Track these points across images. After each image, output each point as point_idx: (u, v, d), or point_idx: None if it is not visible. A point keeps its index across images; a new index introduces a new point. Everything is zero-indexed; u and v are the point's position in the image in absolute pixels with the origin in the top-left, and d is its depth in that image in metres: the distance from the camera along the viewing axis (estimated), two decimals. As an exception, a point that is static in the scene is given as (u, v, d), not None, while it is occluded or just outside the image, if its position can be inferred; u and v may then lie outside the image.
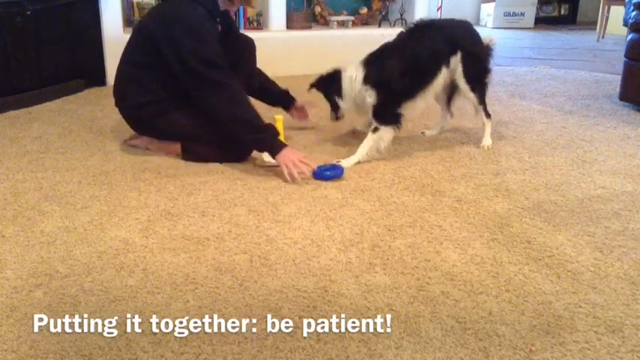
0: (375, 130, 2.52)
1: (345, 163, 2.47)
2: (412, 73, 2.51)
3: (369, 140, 2.52)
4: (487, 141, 2.74)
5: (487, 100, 2.76)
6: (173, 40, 2.33)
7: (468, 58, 2.59)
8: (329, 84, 2.62)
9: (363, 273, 1.63)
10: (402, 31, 2.65)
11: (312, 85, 2.70)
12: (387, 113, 2.52)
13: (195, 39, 2.32)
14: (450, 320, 1.42)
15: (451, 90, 2.77)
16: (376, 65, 2.53)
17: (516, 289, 1.57)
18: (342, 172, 2.34)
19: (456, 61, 2.60)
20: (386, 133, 2.52)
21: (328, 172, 2.32)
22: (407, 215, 2.02)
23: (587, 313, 1.46)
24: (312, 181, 2.30)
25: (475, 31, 2.70)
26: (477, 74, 2.65)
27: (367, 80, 2.50)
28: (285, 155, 2.28)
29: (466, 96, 2.69)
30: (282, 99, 2.93)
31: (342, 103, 2.60)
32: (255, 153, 2.54)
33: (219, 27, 2.61)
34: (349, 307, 1.47)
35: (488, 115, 2.74)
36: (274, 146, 2.31)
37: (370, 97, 2.50)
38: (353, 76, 2.53)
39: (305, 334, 1.36)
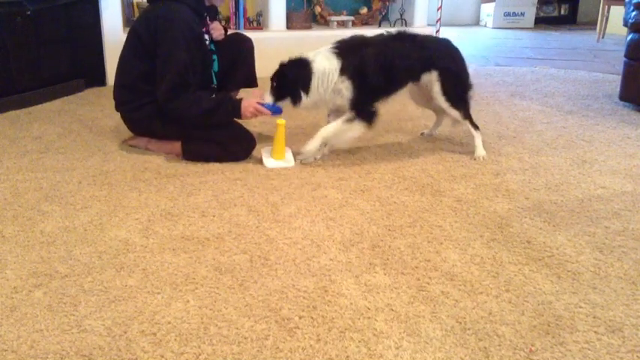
0: (349, 120, 2.42)
1: (304, 154, 2.46)
2: (385, 75, 2.46)
3: (337, 125, 2.42)
4: (481, 152, 2.63)
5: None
6: (162, 47, 2.37)
7: (444, 76, 2.53)
8: (295, 73, 2.40)
9: (363, 273, 1.63)
10: (383, 34, 2.57)
11: (276, 76, 2.45)
12: (365, 106, 2.44)
13: (179, 47, 2.36)
14: (450, 320, 1.43)
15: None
16: (354, 56, 2.41)
17: (516, 289, 1.57)
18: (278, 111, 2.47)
19: (430, 79, 2.55)
20: (358, 126, 2.43)
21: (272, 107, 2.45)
22: (407, 215, 2.02)
23: (587, 313, 1.46)
24: (312, 181, 2.30)
25: (454, 48, 2.65)
26: (456, 91, 2.59)
27: (344, 71, 2.38)
28: (244, 107, 2.42)
29: (448, 113, 2.63)
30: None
31: (305, 98, 2.40)
32: (255, 153, 2.55)
33: (210, 22, 2.62)
34: (349, 307, 1.47)
35: (476, 128, 2.66)
36: (235, 108, 2.43)
37: (347, 90, 2.40)
38: (327, 69, 2.37)
39: (305, 334, 1.36)
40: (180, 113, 2.42)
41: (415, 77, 2.56)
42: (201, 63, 2.50)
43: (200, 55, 2.48)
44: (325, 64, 2.39)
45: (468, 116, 2.65)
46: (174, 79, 2.35)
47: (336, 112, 2.54)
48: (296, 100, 2.42)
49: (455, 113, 2.62)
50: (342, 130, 2.44)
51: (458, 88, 2.61)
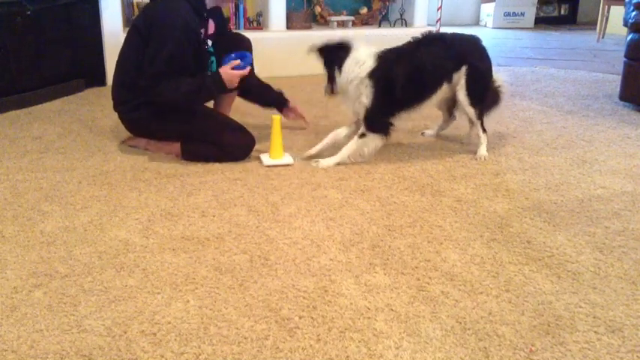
0: (362, 135, 2.48)
1: (324, 162, 2.48)
2: (415, 85, 2.48)
3: (353, 144, 2.49)
4: (483, 152, 2.64)
5: (494, 110, 2.74)
6: (154, 37, 2.38)
7: (472, 72, 2.55)
8: (334, 53, 2.47)
9: (363, 273, 1.63)
10: (411, 40, 2.56)
11: (318, 50, 2.53)
12: (377, 120, 2.47)
13: (170, 39, 2.36)
14: (450, 320, 1.43)
15: (452, 101, 2.73)
16: (387, 65, 2.43)
17: (516, 289, 1.57)
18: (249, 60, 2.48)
19: (458, 75, 2.56)
20: (373, 140, 2.49)
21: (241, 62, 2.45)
22: (407, 215, 2.02)
23: (587, 313, 1.46)
24: (312, 181, 2.30)
25: (483, 47, 2.66)
26: (479, 89, 2.60)
27: (372, 76, 2.40)
28: (228, 80, 2.42)
29: (465, 109, 2.62)
30: (276, 101, 2.95)
31: (339, 78, 2.46)
32: (255, 153, 2.55)
33: (213, 24, 2.62)
34: (349, 307, 1.47)
35: (484, 131, 2.66)
36: (218, 84, 2.43)
37: (366, 98, 2.42)
38: (361, 61, 2.41)
39: (305, 334, 1.36)
40: (163, 100, 2.43)
41: (449, 78, 2.57)
42: (194, 61, 2.48)
43: (193, 53, 2.46)
44: (361, 56, 2.43)
45: (481, 117, 2.66)
46: (160, 67, 2.36)
47: (357, 122, 2.57)
48: (332, 77, 2.50)
49: (471, 111, 2.62)
50: (359, 145, 2.50)
51: (480, 86, 2.61)
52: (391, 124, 2.50)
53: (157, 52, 2.36)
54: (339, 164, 2.49)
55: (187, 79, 2.42)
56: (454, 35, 2.68)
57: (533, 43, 6.50)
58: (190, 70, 2.44)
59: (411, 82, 2.46)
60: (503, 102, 2.78)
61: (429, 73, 2.50)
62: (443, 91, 2.59)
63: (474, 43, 2.66)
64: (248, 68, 2.46)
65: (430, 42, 2.55)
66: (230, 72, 2.42)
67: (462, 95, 2.58)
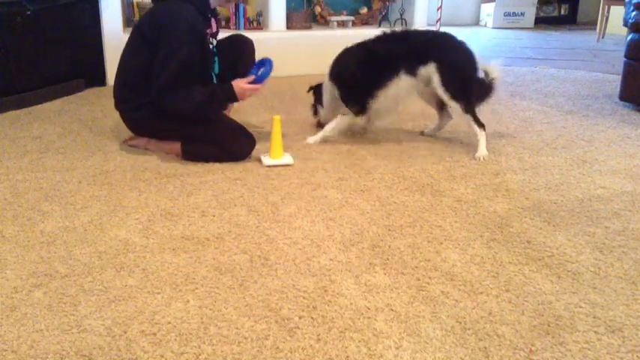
0: (344, 114, 2.77)
1: (310, 140, 2.77)
2: (367, 71, 2.65)
3: (336, 119, 2.79)
4: (482, 152, 2.61)
5: (487, 102, 2.74)
6: (164, 42, 2.37)
7: (444, 67, 2.56)
8: (317, 92, 2.96)
9: (363, 273, 1.63)
10: (384, 32, 2.75)
11: (312, 89, 3.01)
12: (352, 98, 2.73)
13: (182, 45, 2.35)
14: (450, 320, 1.43)
15: (438, 98, 2.72)
16: (338, 62, 2.78)
17: (516, 289, 1.57)
18: (270, 67, 2.51)
19: (428, 71, 2.58)
20: (349, 113, 2.74)
21: (263, 70, 2.50)
22: (407, 215, 2.02)
23: (587, 313, 1.47)
24: (312, 181, 2.30)
25: (455, 41, 2.65)
26: (457, 82, 2.59)
27: (330, 77, 2.78)
28: (239, 93, 2.46)
29: (449, 105, 2.63)
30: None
31: (321, 111, 2.94)
32: (255, 153, 2.55)
33: (215, 24, 2.62)
34: (349, 307, 1.47)
35: (480, 126, 2.63)
36: (229, 95, 2.46)
37: (335, 91, 2.77)
38: (326, 83, 2.82)
39: (305, 334, 1.36)
40: (173, 108, 2.42)
41: (408, 69, 2.61)
42: (200, 63, 2.49)
43: (200, 56, 2.48)
44: (324, 82, 2.84)
45: (470, 110, 2.63)
46: (173, 75, 2.35)
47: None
48: (317, 112, 3.00)
49: (455, 105, 2.61)
50: (338, 123, 2.79)
51: (459, 79, 2.60)
52: (364, 105, 2.71)
53: (169, 60, 2.34)
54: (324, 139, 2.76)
55: (200, 89, 2.42)
56: (421, 31, 2.87)
57: (533, 43, 6.50)
58: (197, 72, 2.44)
59: (362, 69, 2.67)
60: (498, 96, 2.83)
61: (380, 61, 2.65)
62: (406, 82, 2.64)
63: (443, 38, 2.70)
64: (260, 86, 2.49)
65: (394, 34, 2.71)
66: (243, 86, 2.44)
67: (440, 92, 2.60)
